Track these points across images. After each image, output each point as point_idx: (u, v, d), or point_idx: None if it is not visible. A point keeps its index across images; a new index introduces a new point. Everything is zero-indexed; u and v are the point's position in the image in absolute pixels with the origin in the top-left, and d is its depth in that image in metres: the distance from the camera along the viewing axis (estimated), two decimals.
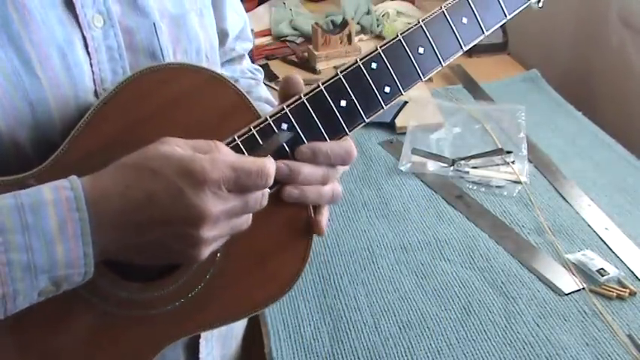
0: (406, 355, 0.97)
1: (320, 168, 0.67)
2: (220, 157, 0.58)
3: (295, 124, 0.66)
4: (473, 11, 0.72)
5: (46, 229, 0.54)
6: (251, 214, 0.62)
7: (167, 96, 0.62)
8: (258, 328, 1.04)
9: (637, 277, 1.09)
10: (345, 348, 0.99)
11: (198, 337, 0.78)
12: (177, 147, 0.58)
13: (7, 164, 0.58)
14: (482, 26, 0.73)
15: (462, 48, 0.73)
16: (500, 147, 1.42)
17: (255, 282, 0.68)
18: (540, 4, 0.79)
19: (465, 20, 0.72)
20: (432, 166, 1.39)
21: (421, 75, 0.71)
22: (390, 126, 1.55)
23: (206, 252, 0.59)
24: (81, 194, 0.55)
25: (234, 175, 0.57)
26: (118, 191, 0.56)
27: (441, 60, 0.72)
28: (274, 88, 1.63)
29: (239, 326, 0.96)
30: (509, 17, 0.75)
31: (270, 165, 0.60)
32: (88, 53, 0.62)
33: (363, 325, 1.03)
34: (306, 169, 0.66)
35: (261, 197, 0.61)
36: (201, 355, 0.79)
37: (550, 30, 1.84)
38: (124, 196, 0.56)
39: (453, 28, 0.72)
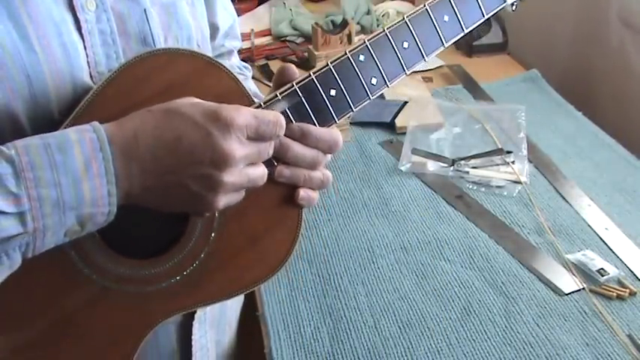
0: (406, 355, 0.97)
1: (309, 150, 0.69)
2: (243, 107, 0.62)
3: (287, 111, 0.68)
4: (454, 10, 0.76)
5: (73, 167, 0.56)
6: (266, 174, 0.65)
7: (166, 80, 0.64)
8: (257, 326, 1.04)
9: (637, 277, 1.09)
10: (345, 348, 0.99)
11: (192, 319, 0.79)
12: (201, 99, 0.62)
13: (3, 140, 0.59)
14: (463, 24, 0.78)
15: (443, 44, 0.77)
16: (500, 147, 1.42)
17: (246, 261, 0.71)
18: (514, 7, 0.82)
19: (446, 18, 0.76)
20: (432, 166, 1.39)
21: (405, 69, 0.75)
22: (390, 126, 1.55)
23: (222, 201, 0.62)
24: (103, 136, 0.58)
25: (255, 122, 0.61)
26: (147, 132, 0.59)
27: (424, 55, 0.76)
28: None
29: (232, 312, 0.96)
30: (486, 17, 0.79)
31: (282, 117, 0.65)
32: (81, 35, 0.64)
33: (363, 325, 1.03)
34: (296, 147, 0.68)
35: (269, 147, 0.65)
36: (194, 337, 0.80)
37: (550, 30, 1.84)
38: (153, 136, 0.59)
39: (436, 25, 0.76)
